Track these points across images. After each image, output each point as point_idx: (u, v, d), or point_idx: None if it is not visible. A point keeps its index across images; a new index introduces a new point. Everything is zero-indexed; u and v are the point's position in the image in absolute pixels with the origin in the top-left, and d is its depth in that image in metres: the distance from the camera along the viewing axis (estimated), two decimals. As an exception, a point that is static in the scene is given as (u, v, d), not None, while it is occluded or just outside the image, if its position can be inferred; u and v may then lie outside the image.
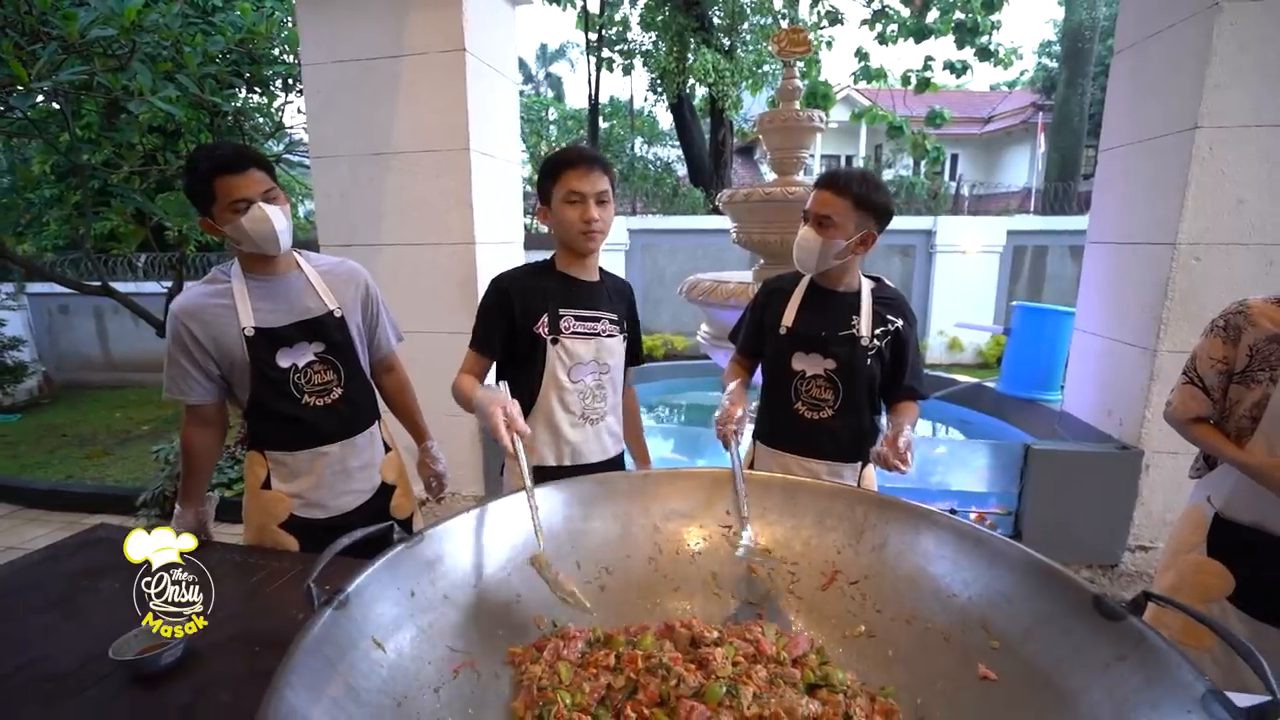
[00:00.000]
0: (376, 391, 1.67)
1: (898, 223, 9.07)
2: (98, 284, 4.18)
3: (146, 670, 1.05)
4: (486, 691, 0.92)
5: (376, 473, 1.60)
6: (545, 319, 1.52)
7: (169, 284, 4.88)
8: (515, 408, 1.22)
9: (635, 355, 1.74)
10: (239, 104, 4.82)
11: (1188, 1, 2.28)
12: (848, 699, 0.93)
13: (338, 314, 1.49)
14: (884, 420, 1.73)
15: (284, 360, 1.42)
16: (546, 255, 1.63)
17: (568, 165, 1.47)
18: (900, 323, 1.64)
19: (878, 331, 1.62)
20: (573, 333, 1.53)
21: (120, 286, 4.85)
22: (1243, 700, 0.70)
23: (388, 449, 1.65)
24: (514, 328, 1.53)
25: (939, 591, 1.04)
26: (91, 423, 5.98)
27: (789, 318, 1.65)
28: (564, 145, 1.74)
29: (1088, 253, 3.01)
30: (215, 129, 4.51)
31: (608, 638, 1.05)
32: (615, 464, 1.67)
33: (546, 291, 1.54)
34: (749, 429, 1.73)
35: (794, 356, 1.64)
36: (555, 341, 1.52)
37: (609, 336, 1.59)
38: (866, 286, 1.66)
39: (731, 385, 1.57)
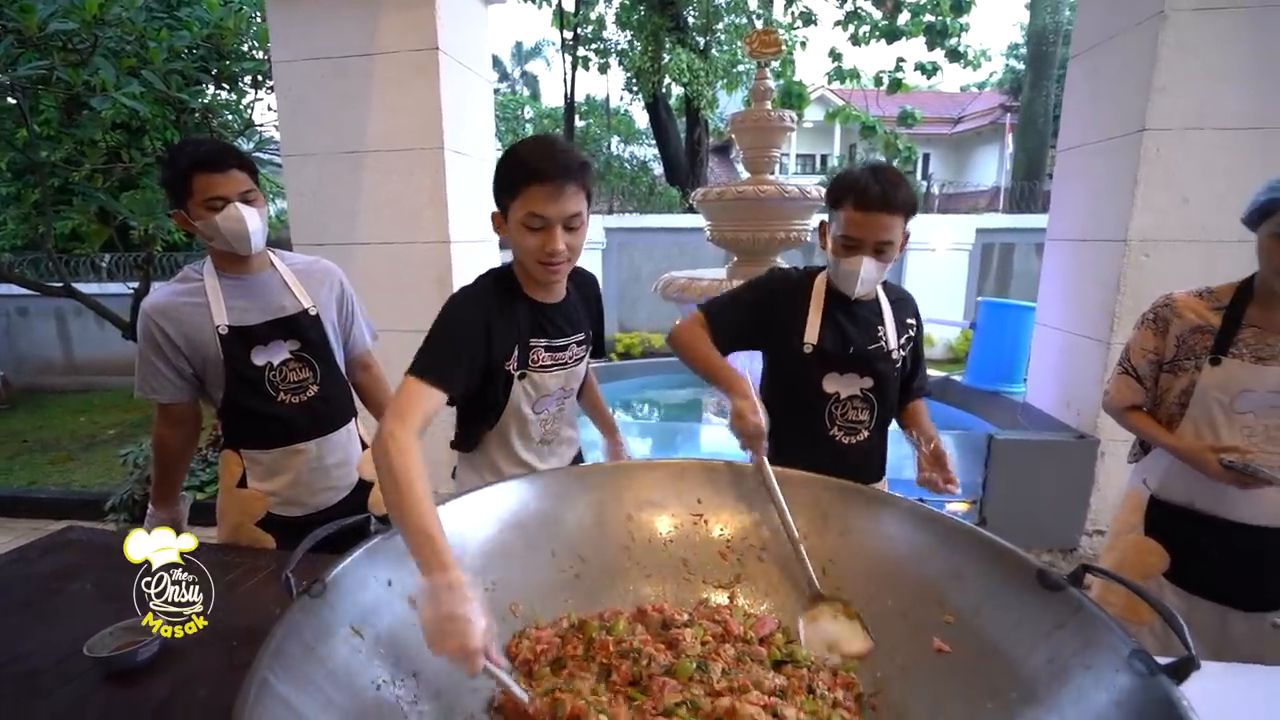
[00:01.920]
0: (352, 389, 1.68)
1: (870, 221, 9.22)
2: (59, 285, 4.08)
3: (122, 667, 1.05)
4: (462, 676, 0.95)
5: (354, 470, 1.61)
6: (515, 353, 1.30)
7: (135, 284, 4.77)
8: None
9: (598, 349, 1.56)
10: (207, 100, 4.73)
11: (1136, 10, 2.39)
12: (811, 673, 0.98)
13: (313, 312, 1.50)
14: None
15: (259, 358, 1.43)
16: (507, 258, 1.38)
17: (534, 179, 1.14)
18: (915, 323, 1.56)
19: (902, 340, 1.51)
20: (540, 366, 1.33)
21: (83, 288, 4.71)
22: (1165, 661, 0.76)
23: (365, 446, 1.66)
24: (483, 364, 1.26)
25: (898, 571, 1.09)
26: (54, 428, 5.81)
27: (811, 333, 1.46)
28: (529, 137, 1.27)
29: (1047, 250, 3.13)
30: (182, 125, 4.43)
31: (582, 623, 1.09)
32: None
33: (517, 323, 1.29)
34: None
35: (826, 378, 1.47)
36: (523, 376, 1.32)
37: (577, 362, 1.41)
38: (879, 290, 1.51)
39: (740, 384, 1.34)
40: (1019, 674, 0.87)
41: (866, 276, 1.39)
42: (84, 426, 5.82)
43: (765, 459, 1.23)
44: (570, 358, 1.38)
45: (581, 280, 1.46)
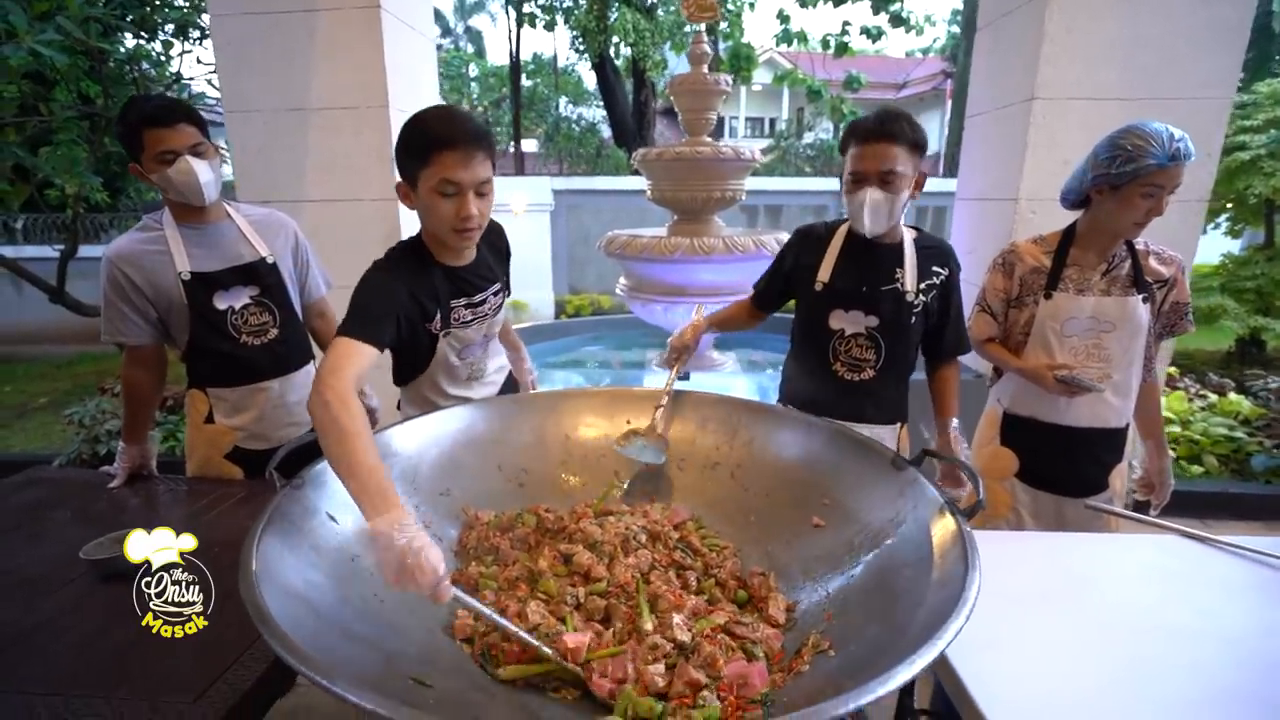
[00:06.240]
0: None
1: (813, 184, 9.40)
2: (-21, 246, 3.91)
3: (119, 568, 1.17)
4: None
5: (314, 408, 1.73)
6: (438, 317, 1.35)
7: (61, 246, 4.59)
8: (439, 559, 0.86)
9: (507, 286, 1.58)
10: (130, 51, 4.51)
11: (1028, -13, 2.63)
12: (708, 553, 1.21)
13: (270, 260, 1.60)
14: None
15: (221, 303, 1.53)
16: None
17: (442, 146, 1.16)
18: (945, 272, 1.57)
19: (923, 285, 1.54)
20: (462, 323, 1.40)
21: None
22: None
23: (323, 386, 1.79)
24: (408, 318, 1.30)
25: (791, 470, 1.33)
26: (-23, 398, 5.58)
27: (825, 272, 1.54)
28: (431, 106, 1.25)
29: (956, 209, 3.43)
30: (100, 76, 4.22)
31: (519, 514, 1.28)
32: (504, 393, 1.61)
33: (435, 291, 1.34)
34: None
35: (832, 314, 1.54)
36: (446, 334, 1.38)
37: (495, 311, 1.48)
38: (908, 236, 1.56)
39: (695, 313, 1.54)
40: (870, 529, 1.12)
41: (873, 206, 1.42)
42: (10, 396, 5.60)
43: (671, 376, 1.45)
44: (489, 309, 1.45)
45: (489, 231, 1.45)
